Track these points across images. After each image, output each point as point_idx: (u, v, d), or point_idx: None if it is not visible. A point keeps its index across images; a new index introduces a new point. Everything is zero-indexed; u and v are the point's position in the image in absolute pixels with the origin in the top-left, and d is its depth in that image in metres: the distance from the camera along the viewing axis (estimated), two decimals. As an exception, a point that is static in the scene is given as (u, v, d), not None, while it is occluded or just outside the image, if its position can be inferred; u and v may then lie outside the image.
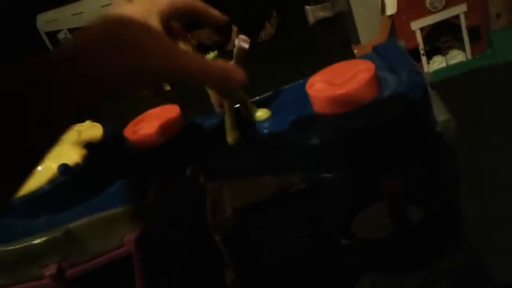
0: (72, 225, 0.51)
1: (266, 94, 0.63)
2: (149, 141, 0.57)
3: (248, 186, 0.54)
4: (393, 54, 0.57)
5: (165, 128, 0.58)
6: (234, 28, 3.02)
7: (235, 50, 0.54)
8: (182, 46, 0.56)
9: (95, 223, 0.52)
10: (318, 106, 0.52)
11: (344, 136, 0.49)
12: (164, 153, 0.57)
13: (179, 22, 0.55)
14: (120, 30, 0.37)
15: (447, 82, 2.02)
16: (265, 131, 0.56)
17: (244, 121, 0.58)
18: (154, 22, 0.45)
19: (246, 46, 0.53)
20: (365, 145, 0.50)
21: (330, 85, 0.51)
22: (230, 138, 0.56)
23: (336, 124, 0.50)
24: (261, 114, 0.58)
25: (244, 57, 0.53)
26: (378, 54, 0.59)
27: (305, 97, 0.53)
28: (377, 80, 0.51)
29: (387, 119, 0.48)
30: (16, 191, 0.31)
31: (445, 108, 0.52)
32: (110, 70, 0.34)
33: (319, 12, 2.60)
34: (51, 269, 0.51)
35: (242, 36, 0.53)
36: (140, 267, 0.53)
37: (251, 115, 0.58)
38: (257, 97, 0.63)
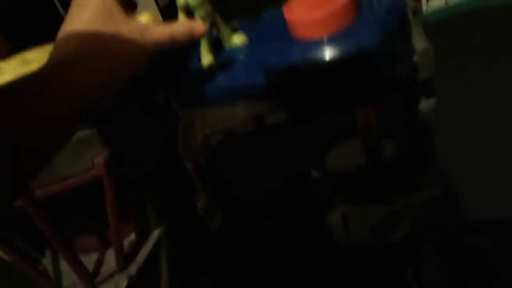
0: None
1: (244, 19, 0.60)
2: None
3: (220, 113, 0.53)
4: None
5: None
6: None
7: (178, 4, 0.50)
8: (141, 17, 0.50)
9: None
10: (296, 31, 0.50)
11: (319, 64, 0.48)
12: (136, 78, 0.55)
13: None
14: (90, 49, 0.36)
15: (445, 22, 1.97)
16: (241, 57, 0.54)
17: (220, 46, 0.56)
18: (115, 11, 0.40)
19: None
20: (340, 74, 0.48)
21: (308, 9, 0.49)
22: (205, 61, 0.53)
23: (310, 52, 0.48)
24: (238, 39, 0.56)
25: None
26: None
27: (283, 22, 0.51)
28: (356, 3, 0.48)
29: (363, 46, 0.46)
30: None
31: (425, 36, 0.50)
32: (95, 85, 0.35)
33: None
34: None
35: None
36: (110, 190, 0.53)
37: (226, 40, 0.55)
38: (235, 22, 0.60)
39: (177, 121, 0.54)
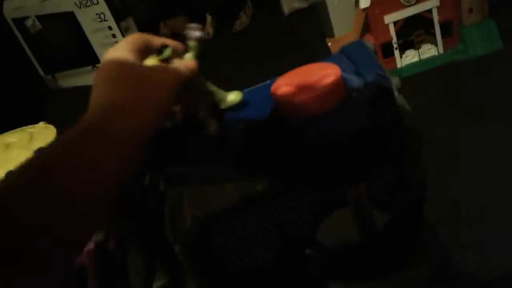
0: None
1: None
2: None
3: (209, 194, 0.52)
4: (360, 56, 0.56)
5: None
6: (209, 17, 2.97)
7: (189, 42, 0.51)
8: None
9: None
10: (283, 110, 0.50)
11: (307, 144, 0.48)
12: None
13: None
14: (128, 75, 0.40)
15: (420, 76, 2.03)
16: (227, 133, 0.54)
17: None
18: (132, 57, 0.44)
19: (198, 34, 0.51)
20: (329, 153, 0.48)
21: (296, 89, 0.49)
22: (211, 128, 0.52)
23: (300, 132, 0.48)
24: (234, 96, 0.54)
25: (199, 46, 0.51)
26: (345, 55, 0.58)
27: (270, 99, 0.51)
28: (343, 84, 0.49)
29: (352, 127, 0.46)
30: None
31: (409, 109, 0.51)
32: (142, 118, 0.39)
33: (294, 3, 2.57)
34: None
35: (191, 25, 0.51)
36: (94, 280, 0.51)
37: (223, 101, 0.54)
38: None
39: (163, 203, 0.53)
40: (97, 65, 2.47)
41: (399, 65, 2.00)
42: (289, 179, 0.49)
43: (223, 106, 0.54)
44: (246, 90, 0.61)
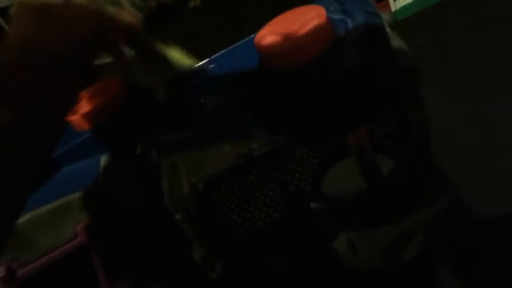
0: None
1: (215, 55, 0.58)
2: (91, 120, 0.52)
3: (204, 158, 0.50)
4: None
5: (107, 104, 0.52)
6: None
7: None
8: None
9: (41, 217, 0.48)
10: (270, 61, 0.47)
11: (298, 94, 0.45)
12: (109, 131, 0.52)
13: None
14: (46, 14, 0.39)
15: (416, 17, 1.97)
16: (216, 94, 0.51)
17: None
18: None
19: None
20: (323, 102, 0.45)
21: (280, 37, 0.46)
22: (159, 95, 0.49)
23: (290, 80, 0.45)
24: (188, 61, 0.51)
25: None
26: (331, -4, 0.54)
27: (255, 54, 0.48)
28: (330, 26, 0.46)
29: (343, 70, 0.43)
30: None
31: (405, 46, 0.48)
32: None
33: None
34: (0, 272, 0.47)
35: None
36: (97, 258, 0.49)
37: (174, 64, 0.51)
38: (206, 59, 0.58)
39: (159, 173, 0.51)
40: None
41: (393, 8, 1.94)
42: (285, 132, 0.47)
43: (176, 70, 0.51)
44: (231, 46, 0.58)
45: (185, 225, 0.51)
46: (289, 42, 0.44)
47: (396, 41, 0.49)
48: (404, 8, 1.94)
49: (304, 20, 0.45)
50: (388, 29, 0.48)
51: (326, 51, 0.45)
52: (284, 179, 0.59)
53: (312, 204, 0.52)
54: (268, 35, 0.47)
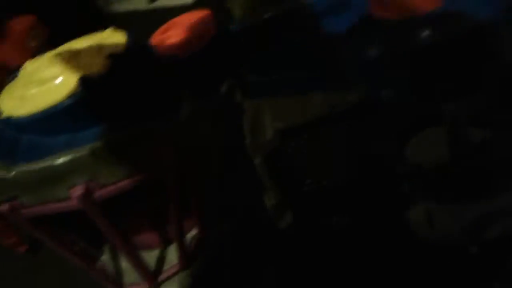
0: (97, 144, 0.47)
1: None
2: (179, 51, 0.50)
3: (292, 104, 0.47)
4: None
5: (196, 37, 0.50)
6: None
7: None
8: None
9: (120, 141, 0.48)
10: (378, 9, 0.43)
11: (406, 47, 0.41)
12: (195, 65, 0.50)
13: None
14: None
15: None
16: (315, 37, 0.48)
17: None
18: None
19: None
20: (429, 60, 0.41)
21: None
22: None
23: (398, 33, 0.41)
24: None
25: None
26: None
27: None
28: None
29: (454, 32, 0.39)
30: None
31: None
32: None
33: None
34: (78, 190, 0.48)
35: None
36: (171, 187, 0.49)
37: None
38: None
39: (241, 115, 0.50)
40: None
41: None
42: (383, 87, 0.43)
43: None
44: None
45: (262, 170, 0.49)
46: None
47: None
48: None
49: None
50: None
51: (437, 9, 0.40)
52: (367, 140, 0.56)
53: (394, 166, 0.49)
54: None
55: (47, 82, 0.48)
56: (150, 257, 0.61)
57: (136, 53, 0.51)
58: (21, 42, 0.92)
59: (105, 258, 0.64)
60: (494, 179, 0.50)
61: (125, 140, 0.48)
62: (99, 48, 0.52)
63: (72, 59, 0.52)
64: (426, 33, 0.40)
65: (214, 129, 0.52)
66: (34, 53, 0.58)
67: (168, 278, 0.59)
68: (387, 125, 0.52)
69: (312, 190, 0.54)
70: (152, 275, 0.59)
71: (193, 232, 0.60)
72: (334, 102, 0.45)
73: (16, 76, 0.53)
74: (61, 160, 0.47)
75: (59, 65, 0.51)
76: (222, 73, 0.50)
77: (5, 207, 0.48)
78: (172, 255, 0.60)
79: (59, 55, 0.53)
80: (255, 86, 0.49)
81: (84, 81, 0.47)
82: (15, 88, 0.51)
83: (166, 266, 0.60)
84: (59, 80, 0.48)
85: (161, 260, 0.61)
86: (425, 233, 0.55)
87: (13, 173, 0.46)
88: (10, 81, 0.53)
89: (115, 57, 0.50)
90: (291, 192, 0.52)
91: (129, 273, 0.61)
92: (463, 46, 0.40)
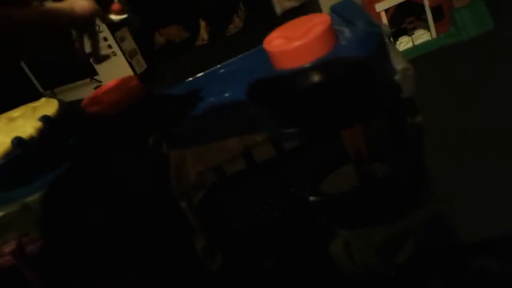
0: (29, 199, 0.49)
1: (227, 62, 0.62)
2: (108, 111, 0.55)
3: (211, 150, 0.53)
4: (349, 9, 0.57)
5: (123, 98, 0.56)
6: (202, 23, 3.00)
7: None
8: None
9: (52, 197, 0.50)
10: (277, 62, 0.51)
11: (302, 90, 0.49)
12: (123, 123, 0.56)
13: None
14: None
15: (415, 61, 2.04)
16: (226, 94, 0.55)
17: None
18: None
19: None
20: (324, 98, 0.49)
21: (287, 39, 0.50)
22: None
23: (294, 79, 0.49)
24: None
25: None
26: (335, 12, 0.59)
27: (264, 58, 0.53)
28: (333, 32, 0.50)
29: (344, 70, 0.47)
30: None
31: (403, 57, 0.52)
32: None
33: (285, 3, 2.60)
34: (10, 246, 0.49)
35: None
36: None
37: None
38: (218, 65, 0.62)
39: (167, 163, 0.54)
40: (94, 77, 2.50)
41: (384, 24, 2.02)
42: (288, 127, 0.50)
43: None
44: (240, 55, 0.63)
45: (189, 213, 0.53)
46: (295, 42, 0.49)
47: (393, 50, 0.53)
48: (404, 53, 2.03)
49: (311, 25, 0.49)
50: (386, 39, 0.53)
51: (328, 52, 0.49)
52: (286, 183, 0.61)
53: (311, 198, 0.54)
54: (277, 37, 0.52)
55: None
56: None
57: (68, 116, 0.55)
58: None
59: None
60: (397, 204, 0.57)
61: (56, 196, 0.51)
62: (33, 113, 0.56)
63: (7, 124, 0.56)
64: (315, 77, 0.48)
65: (143, 180, 0.56)
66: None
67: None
68: (301, 166, 0.59)
69: (238, 230, 0.58)
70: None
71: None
72: (246, 144, 0.51)
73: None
74: (-7, 216, 0.48)
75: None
76: (149, 128, 0.55)
77: None
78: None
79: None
80: (179, 137, 0.54)
81: (17, 142, 0.50)
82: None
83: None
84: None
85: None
86: (347, 265, 0.59)
87: None
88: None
89: (47, 120, 0.54)
90: (219, 233, 0.56)
91: None
92: (347, 83, 0.49)
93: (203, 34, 3.06)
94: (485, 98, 1.56)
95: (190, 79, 0.61)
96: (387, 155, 0.62)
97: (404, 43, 2.05)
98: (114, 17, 0.53)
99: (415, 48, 2.05)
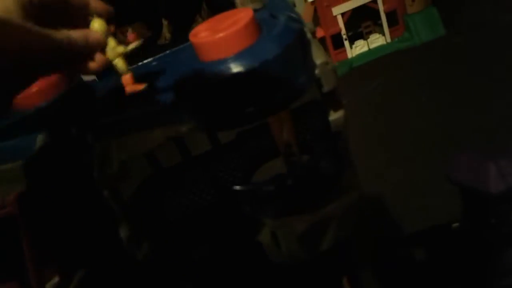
0: None
1: (159, 55, 0.63)
2: (33, 102, 0.55)
3: (134, 139, 0.53)
4: (277, 5, 0.59)
5: (49, 89, 0.56)
6: (165, 23, 2.99)
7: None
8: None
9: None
10: (201, 54, 0.52)
11: (223, 81, 0.50)
12: (48, 113, 0.56)
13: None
14: None
15: (369, 65, 2.10)
16: (154, 85, 0.56)
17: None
18: (15, 15, 0.39)
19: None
20: (244, 88, 0.50)
21: (211, 32, 0.52)
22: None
23: (216, 70, 0.50)
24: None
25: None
26: (265, 7, 0.61)
27: (192, 51, 0.54)
28: (256, 25, 0.52)
29: (263, 60, 0.49)
30: None
31: (324, 53, 0.54)
32: None
33: (248, 4, 2.61)
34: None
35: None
36: (25, 230, 0.51)
37: None
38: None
39: (92, 153, 0.54)
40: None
41: (349, 56, 2.07)
42: (213, 116, 0.51)
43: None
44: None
45: (112, 202, 0.53)
46: (219, 35, 0.50)
47: (316, 47, 0.55)
48: (359, 56, 2.08)
49: (235, 19, 0.51)
50: (309, 35, 0.55)
51: (251, 45, 0.50)
52: (219, 175, 0.62)
53: (236, 187, 0.56)
54: (202, 30, 0.53)
55: None
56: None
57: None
58: None
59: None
60: (319, 193, 0.59)
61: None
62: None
63: None
64: (236, 68, 0.50)
65: (66, 170, 0.56)
66: None
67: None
68: (237, 159, 0.60)
69: (173, 222, 0.59)
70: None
71: (55, 280, 0.60)
72: (169, 134, 0.52)
73: None
74: None
75: None
76: (74, 119, 0.55)
77: None
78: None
79: None
80: (104, 128, 0.54)
81: None
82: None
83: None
84: None
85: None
86: (275, 253, 0.61)
87: None
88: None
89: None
90: (145, 222, 0.56)
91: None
92: (266, 74, 0.50)
93: (166, 33, 3.05)
94: (434, 98, 1.63)
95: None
96: (315, 147, 0.64)
97: (359, 47, 2.10)
98: (130, 46, 0.53)
99: (370, 51, 2.10)
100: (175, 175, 0.64)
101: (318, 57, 0.54)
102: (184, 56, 0.58)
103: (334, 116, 0.59)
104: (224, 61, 0.50)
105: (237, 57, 0.50)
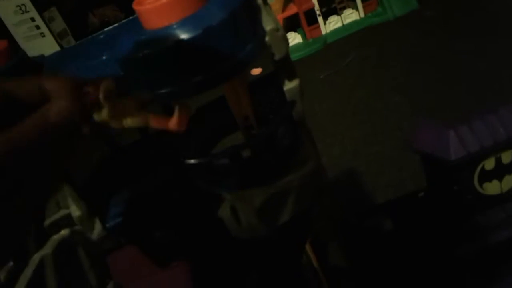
0: None
1: (109, 27, 0.61)
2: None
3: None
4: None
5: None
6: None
7: None
8: None
9: None
10: (146, 22, 0.50)
11: (167, 49, 0.48)
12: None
13: None
14: None
15: (344, 40, 2.09)
16: (103, 57, 0.54)
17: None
18: None
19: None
20: (190, 55, 0.49)
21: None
22: None
23: (160, 37, 0.48)
24: None
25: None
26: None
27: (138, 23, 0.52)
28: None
29: (209, 27, 0.47)
30: None
31: (274, 19, 0.53)
32: None
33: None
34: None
35: None
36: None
37: None
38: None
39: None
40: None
41: (323, 32, 2.05)
42: (159, 85, 0.50)
43: None
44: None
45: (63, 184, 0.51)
46: (163, 1, 0.48)
47: (266, 14, 0.53)
48: (334, 32, 2.06)
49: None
50: (259, 1, 0.53)
51: (197, 11, 0.48)
52: (177, 151, 0.61)
53: (190, 161, 0.54)
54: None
55: None
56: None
57: None
58: None
59: None
60: (276, 165, 0.58)
61: None
62: None
63: None
64: (181, 35, 0.48)
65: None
66: None
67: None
68: (195, 135, 0.59)
69: (131, 201, 0.57)
70: None
71: (9, 265, 0.59)
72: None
73: None
74: None
75: None
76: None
77: None
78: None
79: None
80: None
81: None
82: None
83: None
84: None
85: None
86: (236, 229, 0.60)
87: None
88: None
89: None
90: (96, 201, 0.55)
91: None
92: (211, 40, 0.48)
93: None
94: (407, 72, 1.63)
95: (71, 46, 0.59)
96: (272, 119, 0.63)
97: (334, 23, 2.08)
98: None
99: (344, 27, 2.09)
100: (133, 153, 0.63)
101: (268, 23, 0.52)
102: (132, 27, 0.56)
103: (289, 85, 0.58)
104: (168, 28, 0.48)
105: (181, 24, 0.48)
